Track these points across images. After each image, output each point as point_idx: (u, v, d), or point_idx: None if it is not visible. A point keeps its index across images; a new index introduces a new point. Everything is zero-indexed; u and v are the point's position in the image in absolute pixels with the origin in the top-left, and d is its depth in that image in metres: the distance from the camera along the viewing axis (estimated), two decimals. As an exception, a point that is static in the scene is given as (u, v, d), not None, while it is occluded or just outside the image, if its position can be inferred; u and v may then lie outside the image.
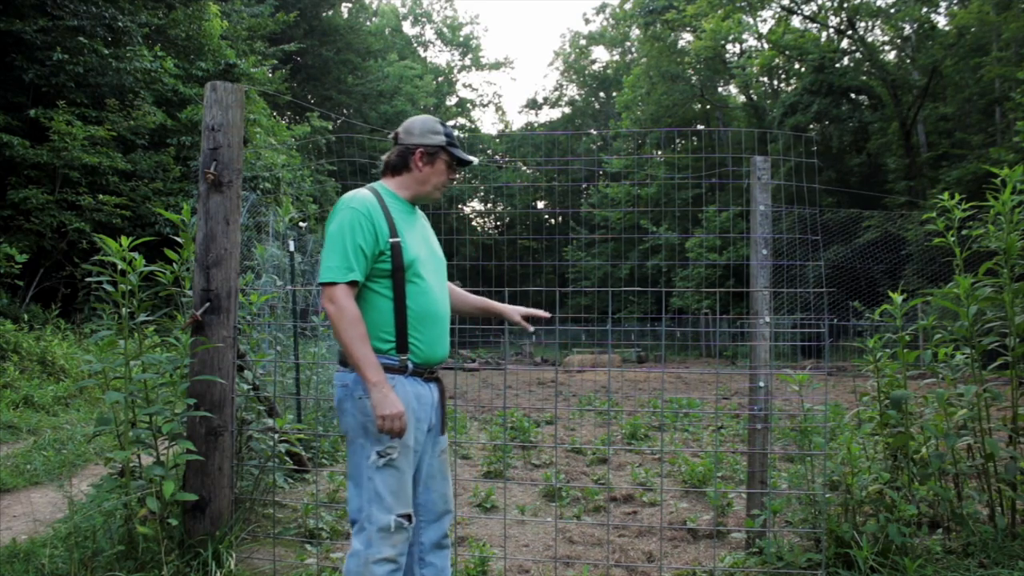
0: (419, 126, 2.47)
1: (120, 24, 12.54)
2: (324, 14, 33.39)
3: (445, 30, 50.75)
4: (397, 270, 2.31)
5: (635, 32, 40.85)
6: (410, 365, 2.33)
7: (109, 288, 3.17)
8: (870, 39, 28.43)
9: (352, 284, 2.25)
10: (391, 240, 2.31)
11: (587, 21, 78.63)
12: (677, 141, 29.94)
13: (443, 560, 2.50)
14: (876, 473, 3.35)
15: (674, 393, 11.18)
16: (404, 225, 2.39)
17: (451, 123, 48.57)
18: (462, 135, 45.67)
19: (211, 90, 3.32)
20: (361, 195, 2.35)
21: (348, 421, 2.31)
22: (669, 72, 32.94)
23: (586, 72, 49.54)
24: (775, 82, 33.68)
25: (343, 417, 2.33)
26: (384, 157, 2.52)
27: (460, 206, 42.23)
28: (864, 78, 26.56)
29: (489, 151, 47.46)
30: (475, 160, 2.59)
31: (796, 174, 3.60)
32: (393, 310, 2.32)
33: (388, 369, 2.28)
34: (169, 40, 15.24)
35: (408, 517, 2.29)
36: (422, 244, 2.44)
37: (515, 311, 2.73)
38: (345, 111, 33.95)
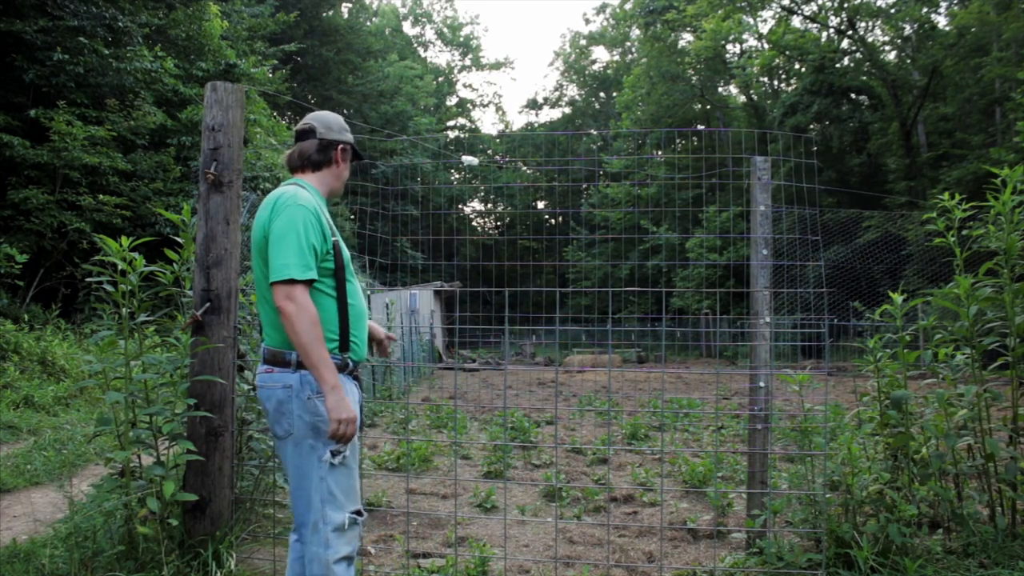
0: (335, 122, 2.49)
1: (120, 24, 12.54)
2: (324, 14, 33.38)
3: (445, 30, 50.74)
4: (339, 269, 2.33)
5: (635, 32, 40.86)
6: (350, 363, 2.36)
7: (109, 288, 3.17)
8: (870, 39, 28.42)
9: (309, 283, 2.22)
10: (333, 239, 2.33)
11: (587, 21, 78.72)
12: (677, 141, 29.93)
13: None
14: (876, 473, 3.35)
15: (674, 393, 11.17)
16: (332, 223, 2.42)
17: (451, 123, 48.56)
18: (463, 135, 45.75)
19: (211, 90, 3.32)
20: (303, 193, 2.32)
21: (294, 423, 2.26)
22: (669, 72, 32.93)
23: (586, 72, 49.53)
24: (775, 82, 33.68)
25: (285, 419, 2.27)
26: (297, 152, 2.47)
27: (460, 206, 42.26)
28: (864, 78, 26.55)
29: (489, 151, 47.47)
30: (364, 156, 2.65)
31: (796, 174, 3.60)
32: (337, 309, 2.33)
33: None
34: (169, 40, 15.24)
35: (359, 512, 2.32)
36: (344, 243, 2.48)
37: (380, 333, 2.72)
38: (345, 111, 33.94)
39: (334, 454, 2.23)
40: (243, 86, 3.46)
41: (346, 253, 2.40)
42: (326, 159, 2.45)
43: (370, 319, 2.61)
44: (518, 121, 63.50)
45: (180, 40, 15.45)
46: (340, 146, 2.47)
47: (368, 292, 10.53)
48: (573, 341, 20.83)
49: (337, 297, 2.32)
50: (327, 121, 2.47)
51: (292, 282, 2.16)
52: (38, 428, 6.70)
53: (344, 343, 2.33)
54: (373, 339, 2.73)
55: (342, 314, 2.33)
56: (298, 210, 2.23)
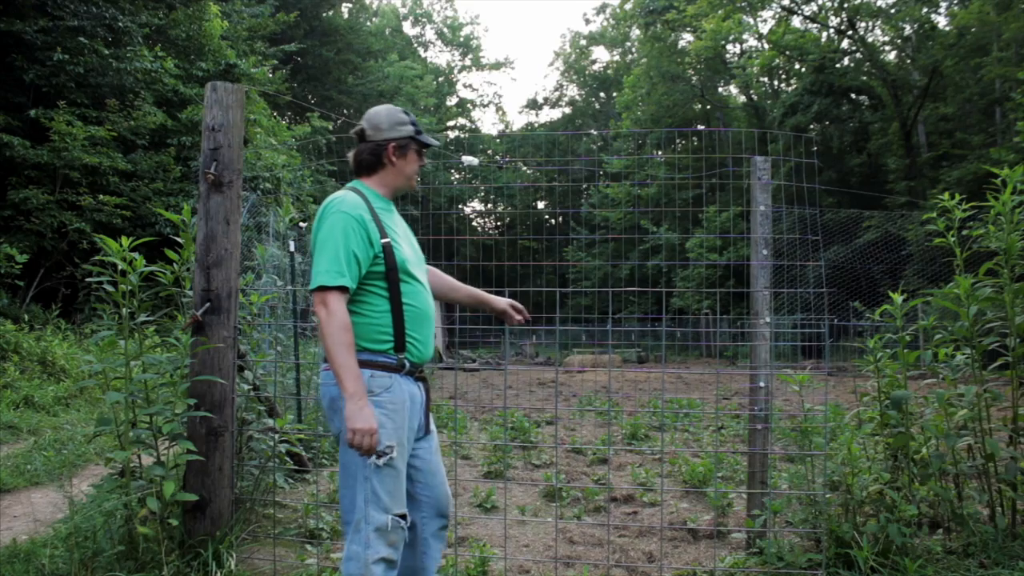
0: (386, 119, 2.44)
1: (120, 24, 12.54)
2: (324, 14, 33.37)
3: (445, 30, 50.71)
4: (391, 270, 2.33)
5: (635, 32, 40.83)
6: (407, 364, 2.35)
7: (109, 288, 3.17)
8: (870, 39, 28.40)
9: (343, 289, 2.23)
10: (383, 241, 2.32)
11: (587, 21, 78.69)
12: (677, 141, 29.93)
13: (441, 543, 2.57)
14: (876, 473, 3.35)
15: (674, 393, 11.17)
16: (389, 224, 2.40)
17: (451, 123, 48.51)
18: (463, 135, 45.74)
19: (211, 90, 3.32)
20: (349, 198, 2.33)
21: (341, 422, 2.28)
22: (669, 72, 32.91)
23: (586, 72, 49.51)
24: (775, 82, 33.66)
25: (337, 416, 2.30)
26: (352, 155, 2.49)
27: (460, 206, 42.26)
28: (864, 78, 26.54)
29: (489, 151, 47.46)
30: (438, 143, 2.58)
31: (796, 174, 3.59)
32: (390, 310, 2.33)
33: (386, 368, 2.30)
34: (169, 40, 15.23)
35: (404, 516, 2.31)
36: (406, 243, 2.47)
37: (503, 302, 2.73)
38: (345, 111, 33.95)
39: (380, 455, 2.22)
40: (243, 86, 3.46)
41: (404, 254, 2.37)
42: (378, 161, 2.44)
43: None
44: (518, 121, 63.51)
45: (180, 40, 15.45)
46: (391, 144, 2.42)
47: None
48: (573, 341, 20.82)
49: (390, 298, 2.32)
50: (375, 121, 2.44)
51: (324, 289, 2.20)
52: (38, 428, 6.70)
53: (399, 344, 2.33)
54: (494, 311, 2.72)
55: (396, 315, 2.33)
56: (340, 217, 2.26)
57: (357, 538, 2.24)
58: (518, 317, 2.74)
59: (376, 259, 2.31)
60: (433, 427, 2.55)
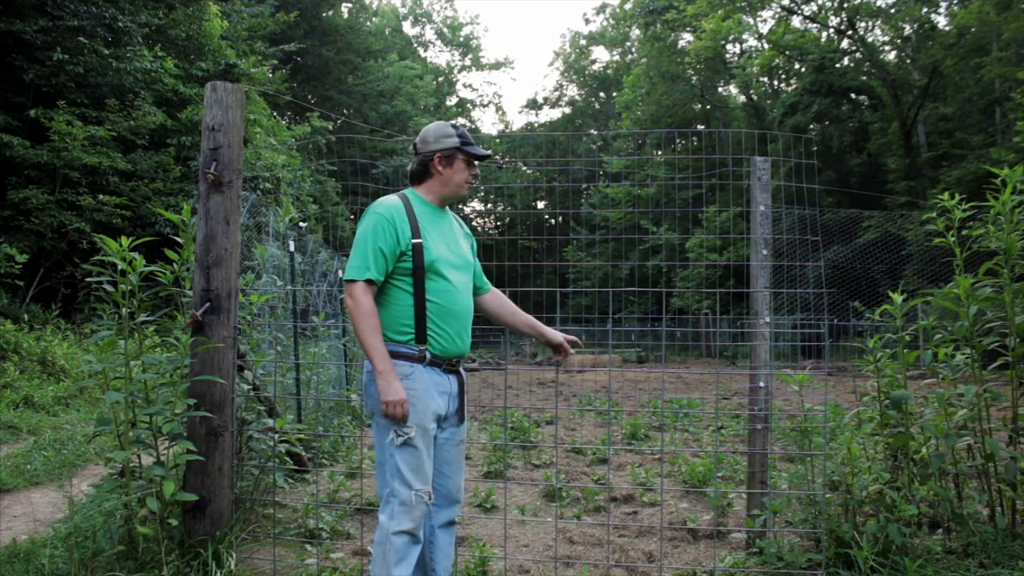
0: (433, 133, 2.66)
1: (120, 24, 12.54)
2: (324, 14, 33.37)
3: (445, 30, 50.73)
4: (418, 268, 2.50)
5: (635, 32, 40.87)
6: (428, 355, 2.51)
7: (109, 288, 3.16)
8: (870, 39, 28.43)
9: (369, 282, 2.45)
10: (413, 241, 2.51)
11: (587, 21, 78.69)
12: (677, 141, 29.93)
13: (449, 537, 2.71)
14: (876, 473, 3.35)
15: (674, 393, 11.18)
16: (430, 227, 2.57)
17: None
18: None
19: (211, 90, 3.31)
20: (388, 201, 2.56)
21: (371, 403, 2.49)
22: (669, 72, 32.94)
23: (586, 72, 49.52)
24: (775, 82, 33.68)
25: (368, 400, 2.53)
26: (408, 168, 2.73)
27: (460, 206, 42.24)
28: (864, 78, 26.56)
29: (489, 151, 47.41)
30: (489, 152, 2.75)
31: (796, 174, 3.59)
32: (413, 304, 2.51)
33: (407, 357, 2.48)
34: (169, 40, 15.24)
35: (428, 493, 2.48)
36: (446, 246, 2.61)
37: (559, 336, 2.88)
38: (345, 111, 33.95)
39: (398, 434, 2.42)
40: (243, 86, 3.45)
41: (435, 254, 2.52)
42: (425, 171, 2.65)
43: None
44: (518, 121, 63.52)
45: (180, 40, 15.45)
46: (437, 155, 2.62)
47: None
48: (573, 341, 20.79)
49: (414, 293, 2.50)
50: (424, 135, 2.67)
51: (352, 281, 2.45)
52: (38, 428, 6.70)
53: (420, 336, 2.50)
54: (548, 343, 2.90)
55: (418, 309, 2.50)
56: (372, 217, 2.51)
57: (386, 509, 2.45)
58: (572, 351, 2.92)
59: (403, 256, 2.49)
60: (465, 419, 2.70)
